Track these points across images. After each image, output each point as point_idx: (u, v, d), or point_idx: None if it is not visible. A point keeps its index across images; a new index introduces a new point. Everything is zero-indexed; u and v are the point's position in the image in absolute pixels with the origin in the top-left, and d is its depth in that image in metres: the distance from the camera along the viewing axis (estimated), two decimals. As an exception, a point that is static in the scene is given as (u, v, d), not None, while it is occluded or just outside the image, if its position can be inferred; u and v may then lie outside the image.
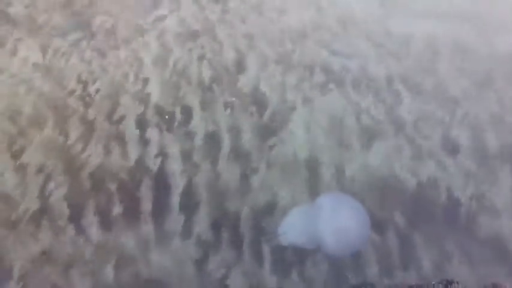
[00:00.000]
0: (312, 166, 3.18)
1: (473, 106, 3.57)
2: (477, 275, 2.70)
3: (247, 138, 3.32)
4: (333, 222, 2.61)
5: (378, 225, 2.87)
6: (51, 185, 3.05)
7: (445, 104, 3.59)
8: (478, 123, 3.46)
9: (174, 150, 3.25)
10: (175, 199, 3.01)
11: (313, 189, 3.06)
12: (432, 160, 3.24)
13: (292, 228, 2.77)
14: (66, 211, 2.94)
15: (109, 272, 2.70)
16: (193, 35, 4.06)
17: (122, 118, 3.43)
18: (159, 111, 3.48)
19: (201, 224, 2.91)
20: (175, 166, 3.17)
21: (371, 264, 2.77)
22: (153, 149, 3.25)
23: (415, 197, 3.07)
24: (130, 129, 3.36)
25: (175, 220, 2.92)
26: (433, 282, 2.19)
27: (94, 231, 2.87)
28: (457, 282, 2.14)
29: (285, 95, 3.61)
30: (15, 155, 3.19)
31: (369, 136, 3.36)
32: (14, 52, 3.88)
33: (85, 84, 3.65)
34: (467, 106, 3.57)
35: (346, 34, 4.12)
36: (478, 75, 3.81)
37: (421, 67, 3.87)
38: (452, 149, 3.31)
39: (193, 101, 3.55)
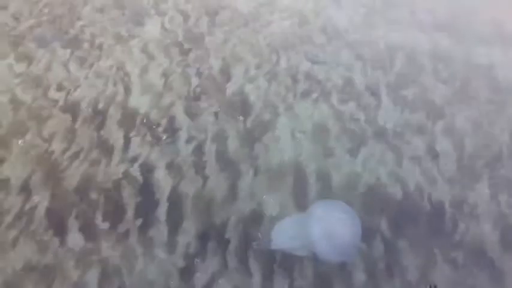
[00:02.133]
0: (298, 173, 3.20)
1: (454, 114, 3.68)
2: (460, 281, 2.75)
3: (233, 147, 3.32)
4: (325, 228, 2.64)
5: (363, 232, 2.89)
6: (34, 197, 2.98)
7: (427, 112, 3.69)
8: (459, 131, 3.57)
9: (159, 160, 3.23)
10: (161, 209, 2.98)
11: (299, 196, 3.07)
12: (416, 166, 3.31)
13: (285, 235, 2.79)
14: (48, 223, 2.87)
15: (92, 285, 2.65)
16: (178, 44, 4.07)
17: (105, 128, 3.40)
18: (144, 120, 3.46)
19: (187, 234, 2.88)
20: (161, 176, 3.14)
21: (357, 272, 2.79)
22: (138, 159, 3.22)
23: (399, 203, 3.12)
24: (114, 139, 3.32)
25: (160, 230, 2.89)
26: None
27: (77, 243, 2.81)
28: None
29: (270, 103, 3.64)
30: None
31: (353, 143, 3.41)
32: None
33: (68, 94, 3.60)
34: (448, 114, 3.68)
35: (330, 44, 4.20)
36: (457, 84, 3.93)
37: (403, 76, 3.96)
38: (434, 155, 3.39)
39: (179, 110, 3.55)
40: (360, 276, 2.76)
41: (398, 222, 3.00)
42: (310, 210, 2.80)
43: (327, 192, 3.10)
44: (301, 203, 3.02)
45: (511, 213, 3.12)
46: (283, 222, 2.88)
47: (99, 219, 2.91)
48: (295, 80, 3.82)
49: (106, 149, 3.26)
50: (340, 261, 2.76)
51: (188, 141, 3.34)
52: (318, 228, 2.61)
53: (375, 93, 3.77)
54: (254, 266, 2.76)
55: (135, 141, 3.32)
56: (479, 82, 3.96)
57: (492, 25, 4.53)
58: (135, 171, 3.15)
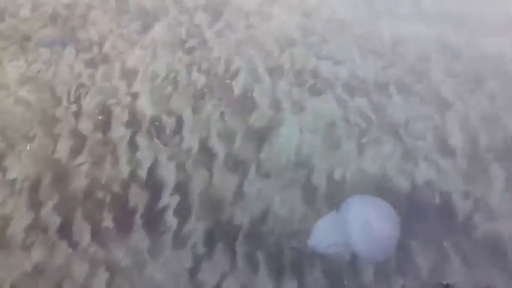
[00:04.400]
0: (305, 170, 3.18)
1: (464, 107, 3.61)
2: (473, 277, 2.69)
3: (239, 145, 3.30)
4: (365, 226, 2.61)
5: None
6: (42, 198, 3.01)
7: (437, 105, 3.62)
8: (469, 124, 3.49)
9: (166, 159, 3.22)
10: (168, 209, 2.98)
11: (307, 194, 3.05)
12: (425, 161, 3.25)
13: (323, 238, 2.76)
14: (57, 224, 2.89)
15: (101, 285, 2.66)
16: (184, 44, 4.06)
17: (113, 128, 3.41)
18: (151, 120, 3.46)
19: (195, 233, 2.88)
20: (168, 175, 3.14)
21: (367, 269, 2.75)
22: (145, 159, 3.22)
23: (409, 198, 3.06)
24: (121, 140, 3.33)
25: (168, 230, 2.89)
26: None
27: (86, 243, 2.82)
28: (452, 285, 2.12)
29: (276, 100, 3.62)
30: (4, 169, 3.15)
31: (361, 139, 3.36)
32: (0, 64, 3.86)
33: (74, 96, 3.62)
34: (458, 107, 3.60)
35: (335, 38, 4.15)
36: (467, 77, 3.85)
37: (411, 69, 3.89)
38: (445, 150, 3.32)
39: (185, 109, 3.54)
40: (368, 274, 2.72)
41: (409, 217, 2.95)
42: (345, 208, 2.77)
43: (334, 188, 3.07)
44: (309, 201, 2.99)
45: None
46: (320, 225, 2.83)
47: (106, 219, 2.93)
48: (301, 77, 3.80)
49: (113, 149, 3.27)
50: (381, 259, 2.72)
51: (194, 139, 3.35)
52: (357, 227, 2.59)
53: (381, 87, 3.72)
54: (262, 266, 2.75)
55: (143, 141, 3.32)
56: (489, 73, 3.87)
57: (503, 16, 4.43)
58: (142, 170, 3.15)
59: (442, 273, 2.70)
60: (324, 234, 2.74)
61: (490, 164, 3.25)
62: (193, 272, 2.73)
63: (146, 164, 3.20)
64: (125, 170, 3.17)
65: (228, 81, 3.74)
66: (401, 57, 3.99)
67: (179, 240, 2.85)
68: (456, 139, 3.38)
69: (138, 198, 3.03)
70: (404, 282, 2.63)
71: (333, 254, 2.69)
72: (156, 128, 3.41)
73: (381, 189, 3.08)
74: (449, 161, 3.25)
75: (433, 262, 2.76)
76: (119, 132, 3.39)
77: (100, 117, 3.47)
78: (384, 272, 2.71)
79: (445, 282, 2.15)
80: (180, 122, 3.46)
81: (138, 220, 2.93)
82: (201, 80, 3.76)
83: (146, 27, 4.21)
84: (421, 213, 2.99)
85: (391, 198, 3.02)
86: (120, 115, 3.49)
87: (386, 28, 4.23)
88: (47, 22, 4.23)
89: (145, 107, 3.56)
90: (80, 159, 3.22)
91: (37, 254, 2.77)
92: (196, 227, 2.90)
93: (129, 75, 3.79)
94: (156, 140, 3.34)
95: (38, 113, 3.49)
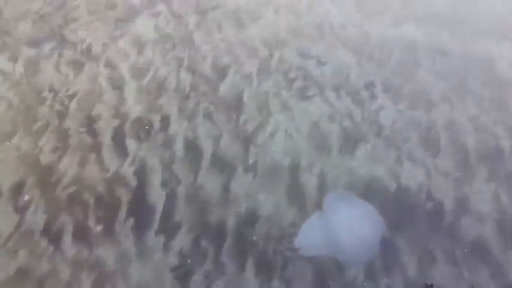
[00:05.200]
0: (294, 171, 3.16)
1: (452, 109, 3.63)
2: (458, 278, 2.70)
3: (227, 145, 3.28)
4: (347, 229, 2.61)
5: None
6: (27, 200, 2.94)
7: (424, 106, 3.63)
8: (457, 125, 3.51)
9: (152, 160, 3.18)
10: (155, 210, 2.94)
11: (295, 195, 3.04)
12: (413, 163, 3.26)
13: (309, 239, 2.76)
14: (42, 227, 2.83)
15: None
16: (171, 43, 4.02)
17: (98, 129, 3.35)
18: (137, 120, 3.42)
19: (183, 235, 2.85)
20: (154, 176, 3.10)
21: (354, 269, 2.74)
22: (131, 160, 3.17)
23: (397, 199, 3.07)
24: (107, 140, 3.28)
25: (156, 232, 2.85)
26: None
27: (70, 246, 2.76)
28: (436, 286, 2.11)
29: (265, 101, 3.60)
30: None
31: (350, 140, 3.36)
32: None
33: (59, 94, 3.55)
34: (446, 109, 3.62)
35: (324, 40, 4.15)
36: (455, 79, 3.87)
37: (400, 71, 3.90)
38: (432, 151, 3.34)
39: (172, 109, 3.51)
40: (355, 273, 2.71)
41: (397, 218, 2.95)
42: (328, 208, 2.78)
43: (323, 189, 3.06)
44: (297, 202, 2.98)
45: (509, 204, 3.08)
46: (306, 228, 2.83)
47: (92, 221, 2.87)
48: (289, 77, 3.79)
49: (98, 150, 3.21)
50: (366, 257, 2.72)
51: (180, 139, 3.32)
52: (341, 229, 2.60)
53: (370, 89, 3.73)
54: (250, 267, 2.73)
55: (129, 142, 3.28)
56: (477, 74, 3.91)
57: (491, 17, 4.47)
58: (128, 171, 3.10)
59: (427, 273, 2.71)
60: (308, 236, 2.74)
61: (477, 165, 3.27)
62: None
63: (132, 163, 3.16)
64: (110, 171, 3.11)
65: (215, 81, 3.71)
66: (390, 59, 4.00)
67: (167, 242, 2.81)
68: (442, 139, 3.39)
69: (124, 199, 2.98)
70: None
71: (318, 255, 2.68)
72: (143, 128, 3.35)
73: (370, 189, 3.08)
74: (435, 161, 3.26)
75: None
76: (105, 132, 3.33)
77: (85, 116, 3.40)
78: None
79: (429, 283, 2.14)
80: (166, 121, 3.42)
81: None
82: (188, 80, 3.72)
83: (134, 27, 4.15)
84: (407, 213, 2.98)
85: (379, 198, 3.03)
86: (105, 114, 3.43)
87: (376, 30, 4.24)
88: (30, 19, 4.15)
89: (131, 106, 3.51)
90: (65, 160, 3.15)
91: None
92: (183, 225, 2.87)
93: (115, 74, 3.73)
94: (142, 140, 3.28)
95: (21, 112, 3.41)
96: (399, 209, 3.00)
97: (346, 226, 2.59)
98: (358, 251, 2.58)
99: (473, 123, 3.54)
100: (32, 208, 2.89)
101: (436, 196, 3.09)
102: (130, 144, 3.26)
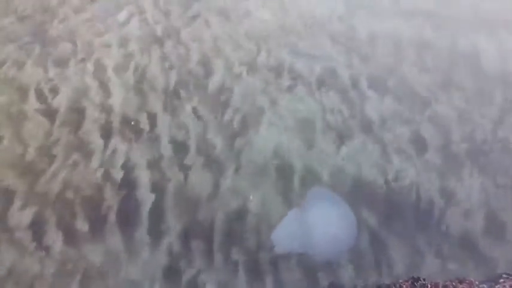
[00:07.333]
0: (282, 167, 3.17)
1: (438, 103, 3.67)
2: (445, 271, 2.74)
3: (215, 143, 3.28)
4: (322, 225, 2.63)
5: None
6: (14, 202, 2.91)
7: (411, 102, 3.67)
8: (443, 120, 3.55)
9: (140, 158, 3.17)
10: (143, 208, 2.93)
11: (284, 191, 3.04)
12: (400, 158, 3.29)
13: (284, 235, 2.77)
14: (29, 226, 2.81)
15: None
16: (157, 40, 3.99)
17: (84, 128, 3.32)
18: (124, 119, 3.39)
19: (171, 232, 2.84)
20: (142, 174, 3.09)
21: (343, 264, 2.77)
22: (119, 159, 3.15)
23: (384, 195, 3.10)
24: (93, 139, 3.25)
25: (144, 230, 2.84)
26: (400, 280, 2.21)
27: (59, 246, 2.75)
28: (423, 279, 2.17)
29: (252, 97, 3.60)
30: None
31: (337, 136, 3.38)
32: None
33: (43, 94, 3.50)
34: (433, 103, 3.66)
35: (311, 34, 4.15)
36: (441, 73, 3.91)
37: (386, 66, 3.93)
38: (420, 146, 3.38)
39: (158, 107, 3.48)
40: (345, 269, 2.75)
41: (385, 214, 2.98)
42: (304, 207, 2.78)
43: (311, 185, 3.08)
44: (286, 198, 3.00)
45: (495, 198, 3.13)
46: (281, 225, 2.84)
47: (80, 221, 2.86)
48: (277, 73, 3.78)
49: (85, 149, 3.19)
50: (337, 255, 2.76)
51: (167, 137, 3.30)
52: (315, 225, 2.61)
53: (357, 84, 3.74)
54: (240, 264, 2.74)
55: (116, 141, 3.25)
56: (463, 69, 3.94)
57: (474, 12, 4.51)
58: (116, 170, 3.09)
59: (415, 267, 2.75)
60: (283, 233, 2.77)
61: (464, 160, 3.31)
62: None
63: (120, 163, 3.14)
64: (98, 170, 3.09)
65: (202, 78, 3.69)
66: (376, 53, 4.02)
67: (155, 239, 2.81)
68: (429, 134, 3.43)
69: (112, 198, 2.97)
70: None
71: (294, 252, 2.71)
72: (130, 126, 3.33)
73: (357, 185, 3.11)
74: (422, 156, 3.30)
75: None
76: (92, 131, 3.30)
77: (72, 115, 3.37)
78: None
79: (416, 276, 2.20)
80: (153, 119, 3.39)
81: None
82: (175, 77, 3.70)
83: (119, 23, 4.10)
84: (395, 208, 3.02)
85: (367, 194, 3.06)
86: (91, 112, 3.40)
87: (363, 25, 4.26)
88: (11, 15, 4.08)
89: (117, 104, 3.47)
90: (52, 160, 3.13)
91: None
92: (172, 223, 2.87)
93: (101, 71, 3.69)
94: (130, 139, 3.27)
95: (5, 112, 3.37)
96: (386, 203, 3.02)
97: (319, 224, 2.62)
98: (329, 249, 2.60)
99: (460, 116, 3.57)
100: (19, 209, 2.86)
101: (423, 190, 3.12)
102: (118, 143, 3.24)
